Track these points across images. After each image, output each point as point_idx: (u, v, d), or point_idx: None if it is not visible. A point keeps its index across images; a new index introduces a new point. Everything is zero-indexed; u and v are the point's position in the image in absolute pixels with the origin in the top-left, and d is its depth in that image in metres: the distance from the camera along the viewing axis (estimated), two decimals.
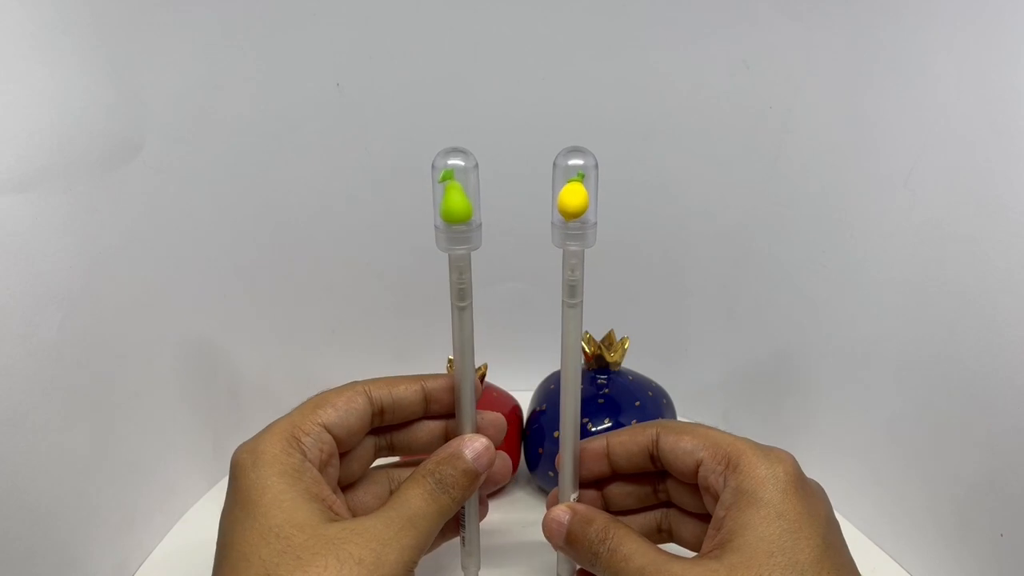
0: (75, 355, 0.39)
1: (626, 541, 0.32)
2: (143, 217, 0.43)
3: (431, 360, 0.49)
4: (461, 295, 0.30)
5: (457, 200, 0.27)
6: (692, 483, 0.33)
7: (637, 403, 0.47)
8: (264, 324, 0.53)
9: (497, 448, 0.36)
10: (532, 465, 0.49)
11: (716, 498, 0.31)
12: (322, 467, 0.32)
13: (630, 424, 0.45)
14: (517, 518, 0.49)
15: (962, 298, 0.40)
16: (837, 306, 0.48)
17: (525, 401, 0.51)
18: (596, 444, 0.36)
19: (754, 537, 0.29)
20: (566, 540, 0.34)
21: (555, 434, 0.46)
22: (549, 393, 0.49)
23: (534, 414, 0.49)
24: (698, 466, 0.32)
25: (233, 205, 0.49)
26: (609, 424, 0.45)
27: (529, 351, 0.55)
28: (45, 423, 0.37)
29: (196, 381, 0.49)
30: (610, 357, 0.48)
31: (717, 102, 0.48)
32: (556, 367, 0.51)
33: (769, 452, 0.31)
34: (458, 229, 0.27)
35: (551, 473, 0.47)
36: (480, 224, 0.28)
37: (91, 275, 0.40)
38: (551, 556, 0.46)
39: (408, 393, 0.35)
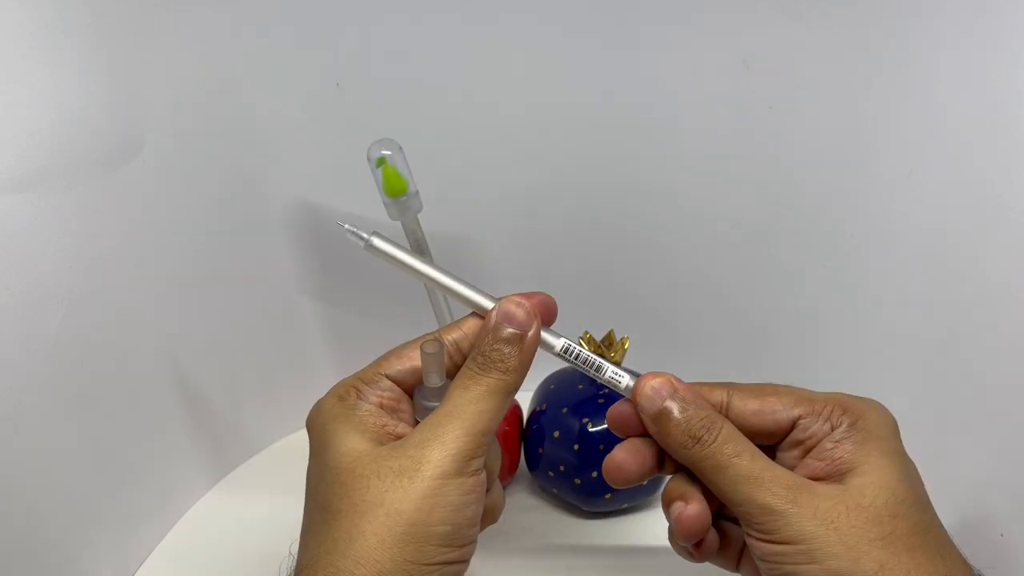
0: (75, 355, 0.39)
1: (736, 437, 0.30)
2: (143, 217, 0.43)
3: None
4: (420, 250, 0.35)
5: (394, 178, 0.34)
6: (770, 443, 0.32)
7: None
8: (264, 324, 0.53)
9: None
10: (532, 465, 0.49)
11: (811, 451, 0.30)
12: (390, 411, 0.32)
13: None
14: (517, 518, 0.49)
15: (962, 298, 0.40)
16: (837, 306, 0.48)
17: (525, 401, 0.51)
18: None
19: (881, 464, 0.29)
20: (658, 415, 0.30)
21: (555, 434, 0.46)
22: (549, 393, 0.49)
23: (534, 414, 0.49)
24: (793, 424, 0.31)
25: (233, 205, 0.49)
26: None
27: None
28: (45, 423, 0.38)
29: (196, 381, 0.49)
30: (610, 357, 0.48)
31: (717, 102, 0.48)
32: (556, 367, 0.51)
33: (869, 400, 0.31)
34: (400, 200, 0.34)
35: (551, 473, 0.47)
36: (417, 191, 0.34)
37: (91, 275, 0.40)
38: (551, 556, 0.46)
39: (479, 323, 0.33)
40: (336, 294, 0.55)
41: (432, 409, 0.31)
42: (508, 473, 0.49)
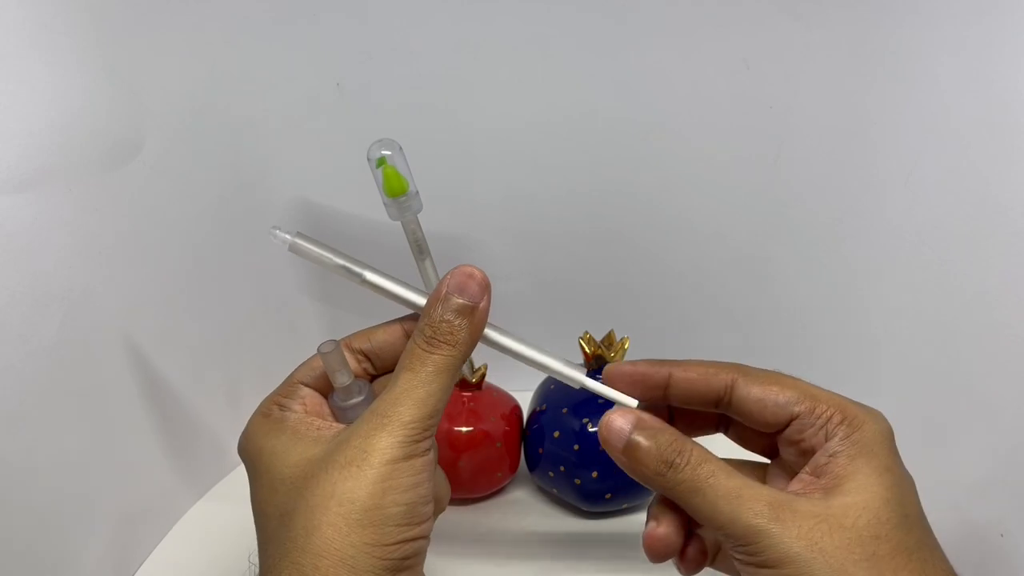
0: (75, 355, 0.39)
1: (709, 457, 0.29)
2: (143, 217, 0.43)
3: None
4: (420, 250, 0.35)
5: (394, 178, 0.33)
6: (767, 433, 0.32)
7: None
8: (264, 324, 0.53)
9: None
10: (532, 465, 0.49)
11: (806, 452, 0.30)
12: (317, 415, 0.32)
13: None
14: (517, 518, 0.49)
15: (962, 298, 0.40)
16: (837, 306, 0.48)
17: (525, 401, 0.51)
18: (657, 371, 0.32)
19: (867, 484, 0.28)
20: (625, 448, 0.30)
21: (555, 434, 0.46)
22: (549, 393, 0.49)
23: (534, 414, 0.49)
24: (791, 420, 0.30)
25: (233, 205, 0.49)
26: None
27: None
28: (45, 423, 0.38)
29: (196, 381, 0.49)
30: (610, 357, 0.48)
31: (717, 102, 0.48)
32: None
33: (869, 409, 0.31)
34: (400, 200, 0.33)
35: (551, 473, 0.47)
36: (417, 192, 0.34)
37: (91, 275, 0.40)
38: (551, 556, 0.46)
39: (388, 336, 0.34)
40: (336, 294, 0.55)
41: (348, 408, 0.32)
42: (508, 473, 0.49)
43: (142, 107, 0.43)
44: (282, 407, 0.32)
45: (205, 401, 0.50)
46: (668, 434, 0.30)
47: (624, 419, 0.31)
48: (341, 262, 0.33)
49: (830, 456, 0.29)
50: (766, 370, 0.32)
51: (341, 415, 0.32)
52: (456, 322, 0.31)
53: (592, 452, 0.45)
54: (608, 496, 0.46)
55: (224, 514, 0.49)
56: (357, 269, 0.33)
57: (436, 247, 0.40)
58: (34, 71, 0.36)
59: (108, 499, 0.42)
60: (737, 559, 0.28)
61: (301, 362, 0.34)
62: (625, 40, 0.48)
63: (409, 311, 0.34)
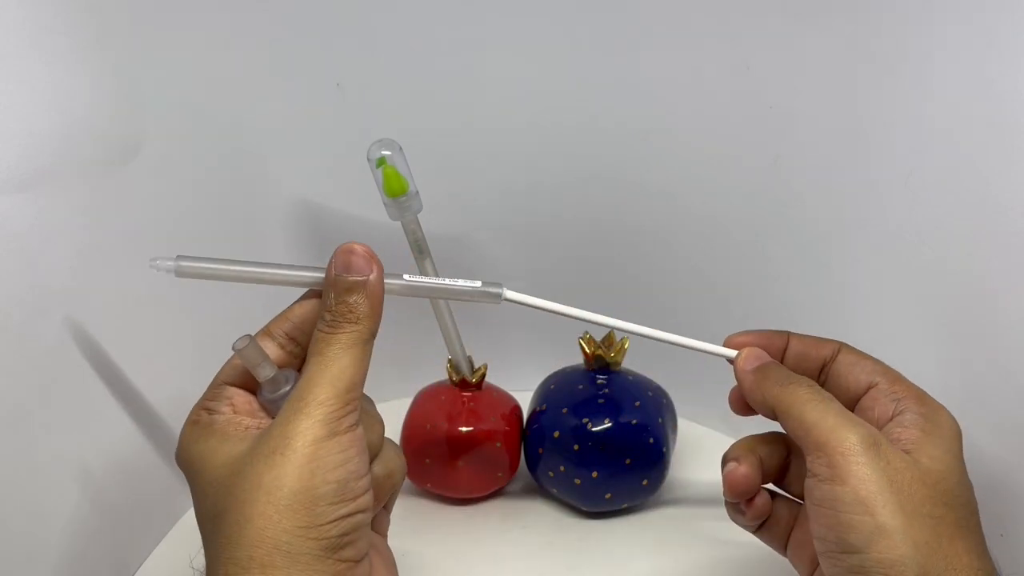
0: (75, 355, 0.39)
1: (824, 391, 0.32)
2: (143, 217, 0.43)
3: (431, 364, 0.49)
4: (420, 249, 0.36)
5: (394, 178, 0.34)
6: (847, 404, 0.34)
7: (637, 403, 0.47)
8: (264, 323, 0.53)
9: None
10: (532, 465, 0.49)
11: (875, 424, 0.32)
12: (247, 414, 0.32)
13: (630, 424, 0.45)
14: (517, 519, 0.49)
15: (962, 298, 0.40)
16: (837, 307, 0.48)
17: (525, 401, 0.51)
18: (776, 339, 0.36)
19: (944, 460, 0.30)
20: (758, 368, 0.35)
21: (555, 434, 0.46)
22: (549, 393, 0.49)
23: (534, 414, 0.49)
24: (869, 388, 0.33)
25: (233, 205, 0.49)
26: (609, 424, 0.45)
27: (529, 351, 0.56)
28: (45, 423, 0.38)
29: (196, 381, 0.49)
30: (610, 357, 0.48)
31: (717, 102, 0.48)
32: (556, 367, 0.51)
33: (943, 406, 0.33)
34: (400, 200, 0.34)
35: (551, 473, 0.47)
36: (417, 192, 0.34)
37: (91, 275, 0.40)
38: (551, 556, 0.46)
39: (305, 309, 0.33)
40: None
41: (277, 399, 0.31)
42: (508, 473, 0.49)
43: (142, 107, 0.43)
44: (210, 411, 0.32)
45: None
46: (791, 372, 0.34)
47: (756, 354, 0.35)
48: (236, 269, 0.33)
49: (904, 427, 0.31)
50: (858, 350, 0.36)
51: (272, 408, 0.32)
52: (351, 299, 0.31)
53: (592, 452, 0.45)
54: (608, 496, 0.46)
55: None
56: (253, 270, 0.33)
57: (436, 247, 0.41)
58: (34, 71, 0.36)
59: (108, 499, 0.42)
60: (816, 475, 0.30)
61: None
62: (626, 40, 0.48)
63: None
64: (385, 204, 0.35)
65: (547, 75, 0.49)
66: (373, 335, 0.32)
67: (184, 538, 0.48)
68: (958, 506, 0.29)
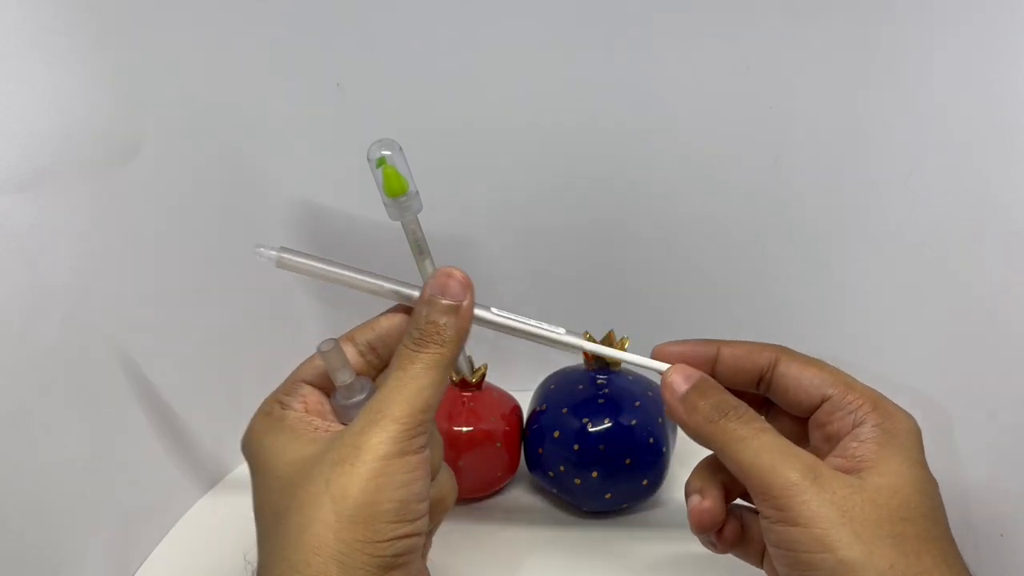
0: (75, 355, 0.39)
1: (758, 416, 0.31)
2: (143, 217, 0.43)
3: None
4: (420, 250, 0.36)
5: (394, 178, 0.34)
6: (800, 417, 0.32)
7: (637, 403, 0.47)
8: (265, 323, 0.53)
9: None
10: (532, 465, 0.49)
11: (833, 438, 0.31)
12: (318, 415, 0.32)
13: (629, 424, 0.45)
14: (517, 519, 0.49)
15: (962, 298, 0.40)
16: (837, 307, 0.48)
17: (525, 401, 0.51)
18: (705, 349, 0.34)
19: (899, 471, 0.29)
20: (684, 397, 0.32)
21: (555, 434, 0.46)
22: (549, 393, 0.49)
23: (534, 414, 0.49)
24: (822, 401, 0.31)
25: (233, 205, 0.49)
26: (609, 424, 0.45)
27: (529, 351, 0.55)
28: (45, 423, 0.38)
29: (196, 381, 0.49)
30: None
31: (717, 102, 0.48)
32: (556, 367, 0.51)
33: (899, 407, 0.32)
34: (400, 200, 0.34)
35: (551, 473, 0.47)
36: (417, 192, 0.34)
37: (91, 275, 0.40)
38: (551, 556, 0.46)
39: (391, 322, 0.34)
40: (337, 293, 0.54)
41: (350, 406, 0.32)
42: (508, 473, 0.49)
43: (142, 107, 0.43)
44: (283, 405, 0.32)
45: (205, 400, 0.50)
46: (724, 391, 0.32)
47: (684, 374, 0.33)
48: (336, 271, 0.34)
49: (860, 441, 0.30)
50: (805, 355, 0.33)
51: (343, 414, 0.32)
52: (442, 321, 0.32)
53: (592, 452, 0.45)
54: (608, 496, 0.46)
55: (225, 514, 0.49)
56: (349, 275, 0.34)
57: (436, 247, 0.40)
58: (34, 71, 0.36)
59: (109, 499, 0.42)
60: (767, 518, 0.29)
61: (303, 360, 0.34)
62: (626, 40, 0.48)
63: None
64: (385, 204, 0.35)
65: (547, 75, 0.49)
66: (454, 361, 0.32)
67: (185, 538, 0.48)
68: (918, 517, 0.28)
